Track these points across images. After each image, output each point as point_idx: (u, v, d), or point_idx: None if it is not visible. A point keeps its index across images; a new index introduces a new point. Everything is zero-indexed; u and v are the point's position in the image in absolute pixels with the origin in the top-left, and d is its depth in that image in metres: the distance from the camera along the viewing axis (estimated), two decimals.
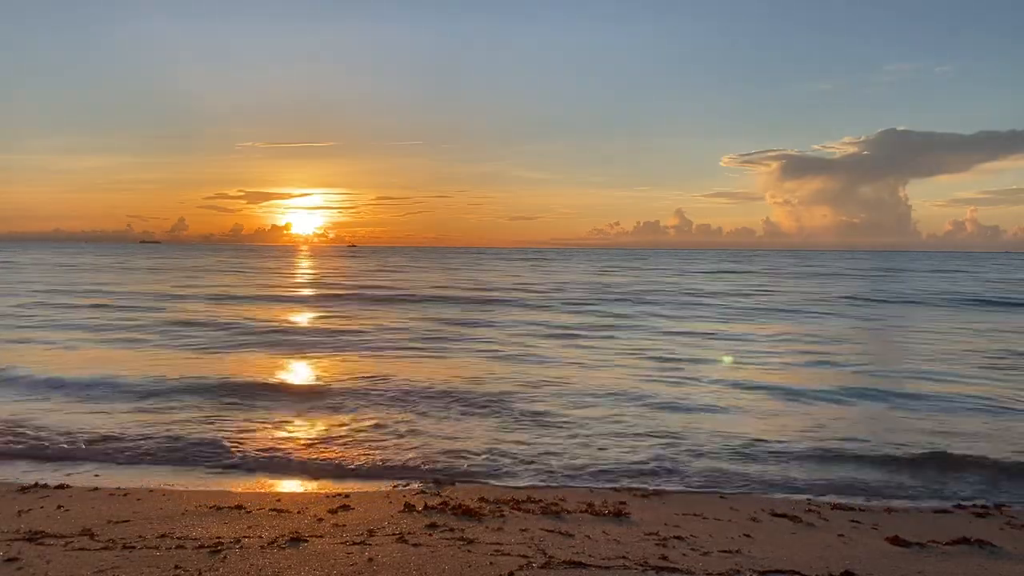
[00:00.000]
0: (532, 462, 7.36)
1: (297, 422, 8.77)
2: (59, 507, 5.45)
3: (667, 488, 6.66)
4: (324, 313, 23.26)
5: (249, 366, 12.70)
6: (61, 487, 6.06)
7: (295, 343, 15.94)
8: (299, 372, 12.36)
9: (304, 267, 65.67)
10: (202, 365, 12.69)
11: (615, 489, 6.53)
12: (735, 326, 20.71)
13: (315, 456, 7.46)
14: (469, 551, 4.57)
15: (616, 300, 29.34)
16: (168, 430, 8.24)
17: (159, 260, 78.38)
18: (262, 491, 6.18)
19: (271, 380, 11.31)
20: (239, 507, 5.48)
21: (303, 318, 21.87)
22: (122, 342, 15.73)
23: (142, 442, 7.79)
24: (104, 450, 7.56)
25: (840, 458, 7.64)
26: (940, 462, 7.48)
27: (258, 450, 7.58)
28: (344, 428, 8.51)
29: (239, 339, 16.46)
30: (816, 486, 6.86)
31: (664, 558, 4.57)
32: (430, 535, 4.89)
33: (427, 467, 7.17)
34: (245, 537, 4.77)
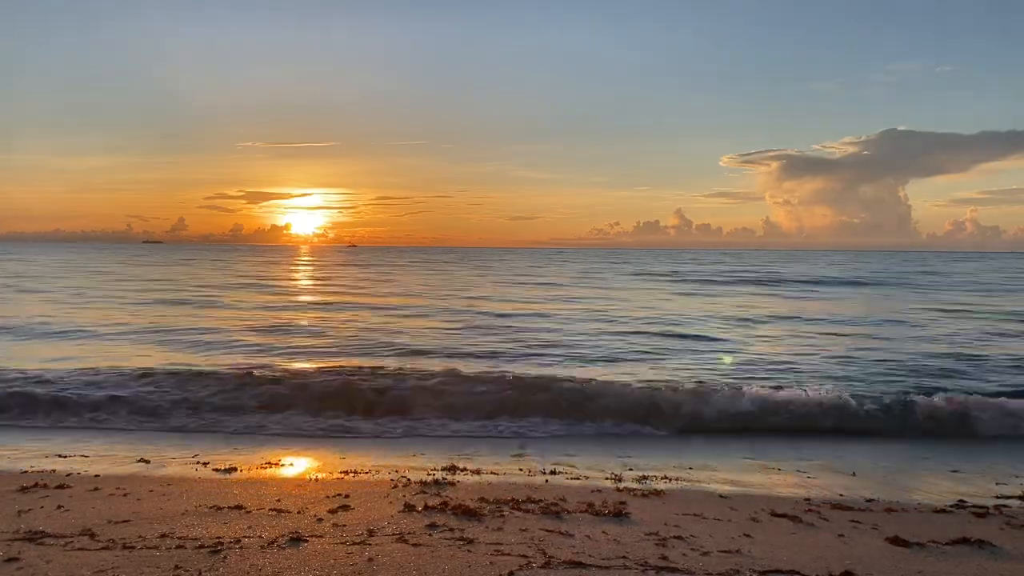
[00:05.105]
0: None
1: None
2: (59, 507, 5.45)
3: (666, 488, 6.67)
4: None
5: None
6: (61, 487, 6.06)
7: None
8: None
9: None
10: None
11: (616, 489, 6.53)
12: None
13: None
14: (469, 551, 4.57)
15: None
16: None
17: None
18: (262, 491, 6.17)
19: None
20: (239, 507, 5.48)
21: None
22: None
23: None
24: None
25: None
26: None
27: None
28: None
29: None
30: None
31: (664, 558, 4.57)
32: (430, 535, 4.89)
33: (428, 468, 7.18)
34: (245, 537, 4.77)
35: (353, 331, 18.31)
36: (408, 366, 12.83)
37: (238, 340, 16.29)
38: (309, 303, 27.54)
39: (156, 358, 13.68)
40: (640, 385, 10.75)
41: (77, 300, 26.24)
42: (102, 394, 10.16)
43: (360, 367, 12.51)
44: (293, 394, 10.36)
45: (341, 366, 12.65)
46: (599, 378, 11.60)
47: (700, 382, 11.14)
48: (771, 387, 10.71)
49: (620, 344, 16.43)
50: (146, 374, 11.22)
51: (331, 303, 27.18)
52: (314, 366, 12.82)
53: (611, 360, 14.32)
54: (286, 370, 12.23)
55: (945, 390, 11.00)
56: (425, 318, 21.84)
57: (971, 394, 10.70)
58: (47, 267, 53.53)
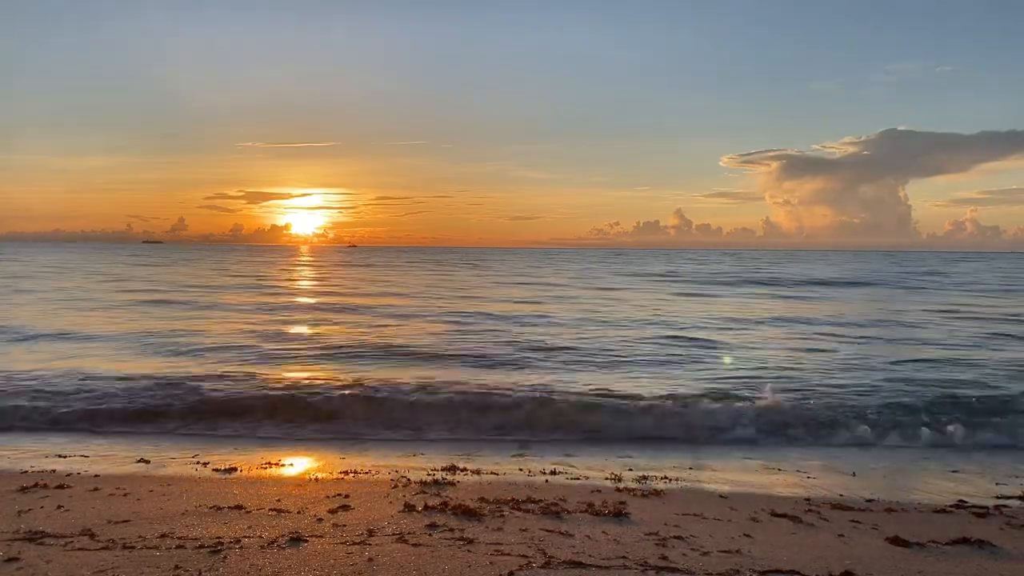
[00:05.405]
0: None
1: None
2: (59, 507, 5.45)
3: (665, 487, 6.67)
4: None
5: None
6: (61, 487, 6.06)
7: None
8: None
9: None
10: None
11: (616, 489, 6.53)
12: None
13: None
14: (469, 551, 4.57)
15: None
16: None
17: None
18: (262, 491, 6.17)
19: None
20: (239, 507, 5.48)
21: None
22: None
23: None
24: None
25: None
26: None
27: None
28: None
29: None
30: None
31: (664, 558, 4.57)
32: (430, 535, 4.89)
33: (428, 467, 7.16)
34: (245, 537, 4.77)
35: (351, 333, 18.31)
36: (406, 369, 12.84)
37: (237, 342, 16.28)
38: (308, 305, 27.58)
39: (155, 360, 13.67)
40: (644, 395, 10.60)
41: (75, 301, 26.22)
42: (100, 395, 10.16)
43: (357, 370, 12.53)
44: (291, 397, 10.35)
45: (339, 369, 12.67)
46: (598, 383, 11.58)
47: (702, 395, 10.90)
48: (772, 397, 10.54)
49: (619, 346, 16.41)
50: (144, 376, 11.24)
51: (330, 304, 27.17)
52: (313, 369, 12.83)
53: (610, 361, 14.31)
54: (285, 373, 12.23)
55: (945, 394, 10.99)
56: (423, 319, 21.82)
57: (971, 397, 10.70)
58: (46, 267, 53.53)
